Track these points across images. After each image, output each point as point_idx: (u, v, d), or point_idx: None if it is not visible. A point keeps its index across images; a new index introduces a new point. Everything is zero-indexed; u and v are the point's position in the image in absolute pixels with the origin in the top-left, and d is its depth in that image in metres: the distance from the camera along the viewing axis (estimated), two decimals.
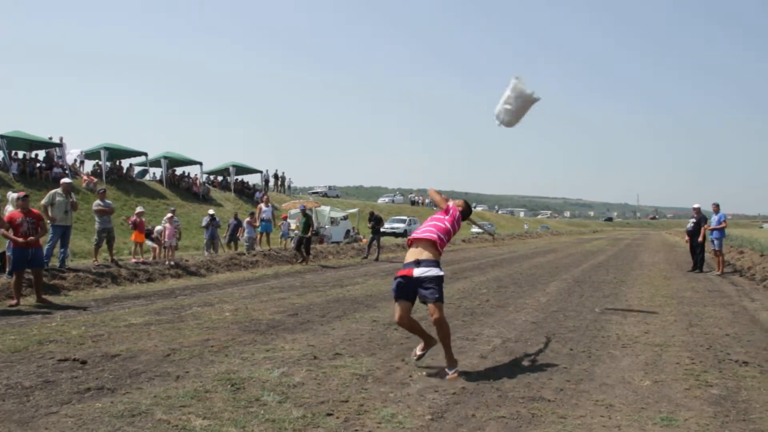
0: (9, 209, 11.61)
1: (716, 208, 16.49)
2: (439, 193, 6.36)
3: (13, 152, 29.69)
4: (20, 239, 9.82)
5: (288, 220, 25.85)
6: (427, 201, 74.80)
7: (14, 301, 9.66)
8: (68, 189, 12.69)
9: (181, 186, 36.94)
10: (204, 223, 19.74)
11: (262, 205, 21.24)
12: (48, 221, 11.83)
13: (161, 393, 4.98)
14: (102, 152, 32.57)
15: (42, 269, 10.33)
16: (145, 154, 36.28)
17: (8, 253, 10.45)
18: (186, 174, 39.09)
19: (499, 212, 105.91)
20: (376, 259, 20.90)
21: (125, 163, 36.09)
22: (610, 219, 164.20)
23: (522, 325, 8.34)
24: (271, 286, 12.80)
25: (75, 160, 33.03)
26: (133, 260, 15.24)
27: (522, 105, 7.68)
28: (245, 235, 20.13)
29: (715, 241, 16.48)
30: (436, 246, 5.83)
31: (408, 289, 5.79)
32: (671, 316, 9.15)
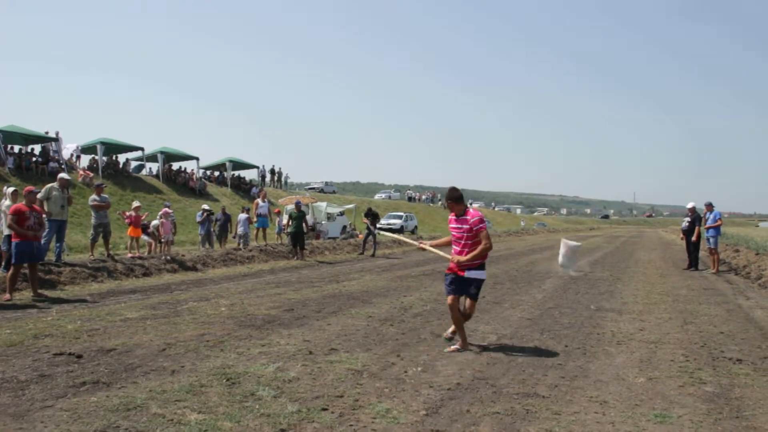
0: (6, 203, 11.58)
1: (709, 207, 16.52)
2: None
3: (9, 146, 29.61)
4: (30, 233, 9.85)
5: (283, 215, 25.85)
6: (423, 197, 74.84)
7: (7, 296, 9.64)
8: (65, 184, 12.66)
9: (177, 181, 36.87)
10: (199, 218, 19.71)
11: (259, 201, 21.24)
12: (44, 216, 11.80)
13: (156, 387, 4.98)
14: (98, 147, 32.49)
15: (38, 264, 10.33)
16: (142, 149, 36.19)
17: (4, 248, 10.42)
18: (182, 169, 39.03)
19: (496, 209, 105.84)
20: (373, 255, 20.90)
21: (122, 158, 36.01)
22: (606, 216, 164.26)
23: (517, 322, 8.36)
24: (267, 281, 12.80)
25: (71, 155, 32.92)
26: (129, 255, 15.23)
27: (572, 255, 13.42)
28: (239, 230, 20.10)
29: (711, 240, 16.53)
30: None
31: None
32: (666, 314, 9.17)
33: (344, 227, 32.20)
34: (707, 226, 16.57)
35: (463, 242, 6.48)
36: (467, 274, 6.45)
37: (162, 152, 36.81)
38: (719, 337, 7.46)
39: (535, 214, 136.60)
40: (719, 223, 16.56)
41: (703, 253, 18.69)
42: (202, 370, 5.53)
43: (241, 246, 19.35)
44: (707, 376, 5.64)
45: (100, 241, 14.43)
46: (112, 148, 34.66)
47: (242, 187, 42.18)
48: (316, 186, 60.32)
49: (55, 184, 12.52)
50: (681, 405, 4.73)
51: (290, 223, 18.98)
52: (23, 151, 30.25)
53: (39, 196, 11.79)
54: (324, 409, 4.48)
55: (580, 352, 6.59)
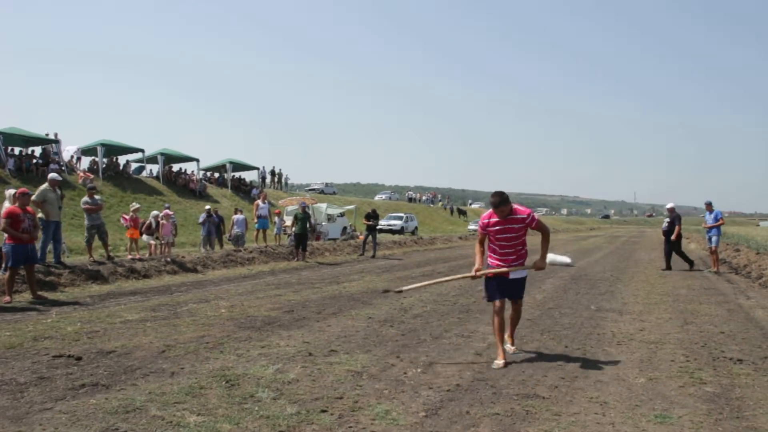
0: (6, 205, 11.57)
1: (709, 206, 16.48)
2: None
3: (9, 148, 29.61)
4: (25, 235, 9.86)
5: (285, 217, 25.83)
6: (424, 198, 74.83)
7: (7, 299, 9.63)
8: (56, 184, 12.63)
9: (177, 182, 36.85)
10: (201, 219, 19.72)
11: (259, 202, 21.24)
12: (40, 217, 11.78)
13: (156, 389, 4.98)
14: (98, 149, 32.48)
15: (35, 266, 10.33)
16: (142, 151, 36.19)
17: (5, 250, 10.42)
18: (183, 170, 39.01)
19: None
20: (373, 256, 20.89)
21: (122, 160, 36.00)
22: (607, 216, 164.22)
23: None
24: (267, 283, 12.80)
25: (71, 157, 32.91)
26: (129, 257, 15.22)
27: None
28: (235, 230, 20.10)
29: (712, 239, 16.51)
30: None
31: None
32: (666, 314, 9.16)
33: (345, 228, 32.19)
34: (708, 225, 16.59)
35: (517, 243, 6.25)
36: (514, 275, 6.31)
37: (162, 154, 36.79)
38: (720, 337, 7.45)
39: (541, 214, 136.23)
40: (721, 222, 16.55)
41: (703, 253, 18.66)
42: (202, 372, 5.53)
43: (234, 247, 19.34)
44: (708, 376, 5.62)
45: (99, 242, 14.36)
46: (113, 150, 34.64)
47: (242, 189, 42.16)
48: (316, 187, 60.32)
49: (46, 185, 12.42)
50: (681, 405, 4.72)
51: (295, 223, 19.02)
52: (23, 153, 30.24)
53: (34, 198, 11.74)
54: (323, 411, 4.47)
55: (581, 352, 6.58)
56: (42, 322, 8.07)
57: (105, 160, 33.34)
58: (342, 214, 33.51)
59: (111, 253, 14.59)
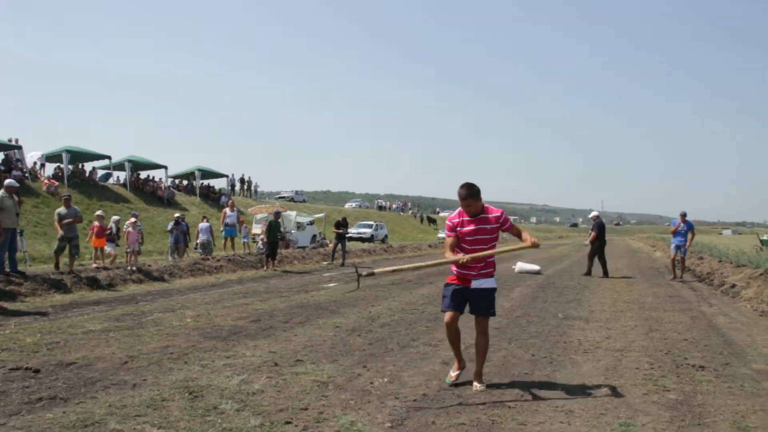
0: None
1: (684, 217, 16.41)
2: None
3: None
4: None
5: (254, 225, 25.67)
6: (394, 206, 74.91)
7: None
8: (13, 190, 12.33)
9: (145, 190, 36.36)
10: (169, 227, 19.51)
11: (227, 210, 21.05)
12: None
13: (116, 402, 4.86)
14: (63, 155, 31.90)
15: None
16: (109, 158, 35.65)
17: None
18: (151, 178, 38.52)
19: None
20: (342, 264, 20.83)
21: (88, 167, 35.39)
22: (575, 225, 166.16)
23: None
24: (235, 292, 12.67)
25: (35, 163, 32.29)
26: (94, 265, 14.95)
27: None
28: (201, 237, 19.89)
29: (682, 249, 16.44)
30: None
31: None
32: (632, 321, 9.26)
33: (314, 236, 32.07)
34: (687, 243, 16.43)
35: (488, 249, 5.37)
36: (477, 284, 5.41)
37: (129, 161, 36.28)
38: (683, 344, 7.54)
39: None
40: (691, 236, 16.50)
41: (668, 260, 18.90)
42: (165, 384, 5.42)
43: (202, 255, 19.13)
44: (671, 383, 5.67)
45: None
46: (78, 157, 34.06)
47: (211, 196, 41.74)
48: (286, 195, 60.00)
49: (3, 192, 12.11)
50: (645, 413, 4.75)
51: (265, 232, 18.92)
52: None
53: None
54: (288, 422, 4.41)
55: (547, 360, 6.60)
56: (0, 333, 7.87)
57: (70, 166, 32.77)
58: (311, 222, 33.40)
59: (75, 269, 13.67)
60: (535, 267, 18.64)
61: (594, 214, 18.96)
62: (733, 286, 13.48)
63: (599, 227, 17.88)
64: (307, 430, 4.28)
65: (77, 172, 33.42)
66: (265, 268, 18.30)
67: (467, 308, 5.60)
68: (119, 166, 37.00)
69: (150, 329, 8.15)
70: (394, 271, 5.85)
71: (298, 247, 27.45)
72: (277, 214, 19.39)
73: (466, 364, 5.80)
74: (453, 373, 5.66)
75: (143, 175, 38.33)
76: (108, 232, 16.30)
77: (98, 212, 16.58)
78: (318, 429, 4.30)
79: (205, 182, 43.24)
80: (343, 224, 21.44)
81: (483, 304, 5.50)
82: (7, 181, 12.46)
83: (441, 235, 52.30)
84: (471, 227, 5.39)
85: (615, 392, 5.35)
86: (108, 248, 16.33)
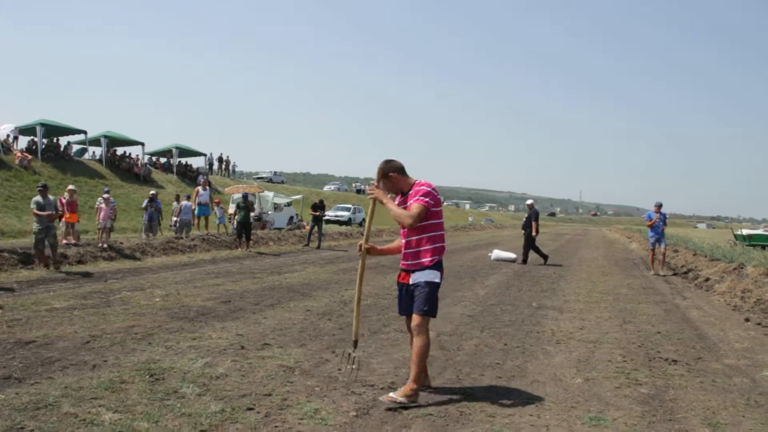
0: None
1: (658, 208, 15.87)
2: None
3: None
4: None
5: (230, 205, 25.38)
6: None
7: None
8: None
9: (121, 166, 35.80)
10: (143, 205, 19.21)
11: (200, 189, 20.75)
12: None
13: (73, 383, 4.68)
14: (38, 128, 31.25)
15: None
16: (85, 132, 35.00)
17: None
18: (127, 154, 37.93)
19: (445, 203, 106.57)
20: (318, 247, 20.64)
21: (63, 141, 34.75)
22: (553, 214, 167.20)
23: (458, 319, 8.25)
24: (207, 272, 12.46)
25: (8, 136, 31.64)
26: (64, 241, 14.64)
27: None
28: (181, 217, 19.59)
29: (662, 241, 15.84)
30: None
31: None
32: (606, 313, 9.21)
33: (291, 218, 31.82)
34: (662, 228, 15.79)
35: (412, 233, 4.68)
36: (413, 278, 4.71)
37: (106, 136, 35.70)
38: (656, 337, 7.49)
39: (484, 209, 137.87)
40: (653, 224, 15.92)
41: (645, 252, 18.88)
42: (126, 365, 5.24)
43: (179, 234, 18.85)
44: (643, 377, 5.60)
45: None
46: (53, 130, 33.40)
47: (189, 175, 41.23)
48: (264, 175, 59.54)
49: None
50: (616, 407, 4.66)
51: (236, 212, 18.65)
52: None
53: None
54: (249, 409, 4.26)
55: (519, 351, 6.51)
56: None
57: (45, 140, 32.12)
58: (289, 204, 33.11)
59: (58, 264, 12.15)
60: (512, 255, 18.61)
61: (530, 202, 19.34)
62: (707, 279, 13.53)
63: (536, 216, 18.14)
64: (269, 417, 4.14)
65: (51, 146, 32.78)
66: (239, 248, 18.06)
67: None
68: (95, 142, 36.41)
69: (116, 308, 7.95)
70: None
71: (275, 228, 27.20)
72: (245, 196, 19.10)
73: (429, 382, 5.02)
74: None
75: (120, 151, 37.73)
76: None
77: (70, 187, 16.22)
78: (280, 416, 4.15)
79: (183, 160, 42.71)
80: (320, 206, 21.22)
81: (415, 301, 4.67)
82: None
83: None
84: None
85: (587, 385, 5.26)
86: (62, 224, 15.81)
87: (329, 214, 36.80)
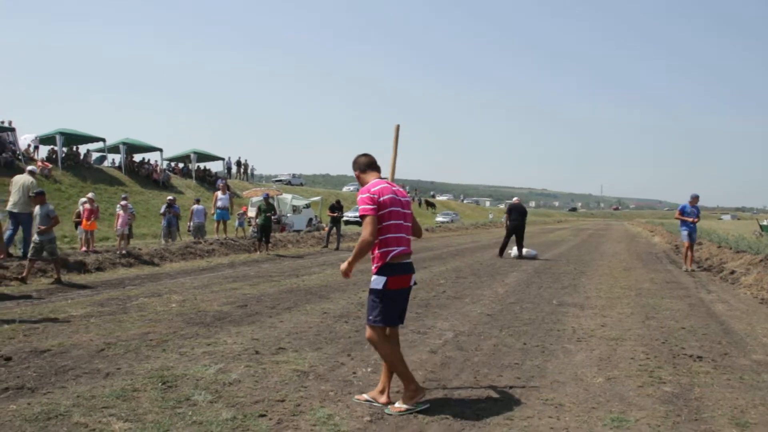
0: None
1: (695, 200, 15.01)
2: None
3: None
4: None
5: (250, 208, 25.45)
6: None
7: None
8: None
9: (140, 173, 36.08)
10: (162, 210, 19.27)
11: (219, 193, 20.77)
12: None
13: (86, 392, 4.63)
14: (57, 137, 31.58)
15: None
16: (103, 140, 35.34)
17: None
18: (146, 161, 38.22)
19: (465, 201, 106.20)
20: (337, 248, 20.58)
21: (82, 149, 35.10)
22: (574, 209, 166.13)
23: (477, 318, 8.13)
24: (225, 276, 12.43)
25: (29, 145, 32.01)
26: (83, 249, 14.70)
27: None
28: (194, 220, 19.61)
29: (693, 235, 15.07)
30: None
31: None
32: (628, 309, 9.02)
33: (310, 220, 31.81)
34: (694, 220, 14.91)
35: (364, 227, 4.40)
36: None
37: (124, 143, 35.97)
38: (680, 333, 7.31)
39: (504, 206, 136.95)
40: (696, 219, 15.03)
41: (667, 246, 18.59)
42: (139, 373, 5.19)
43: (194, 238, 18.89)
44: (667, 375, 5.44)
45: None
46: (72, 139, 33.75)
47: (207, 180, 41.44)
48: (283, 178, 59.69)
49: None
50: (639, 407, 4.52)
51: (257, 215, 18.66)
52: None
53: None
54: (262, 416, 4.18)
55: (539, 350, 6.37)
56: None
57: (64, 149, 32.45)
58: (308, 206, 33.11)
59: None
60: (532, 252, 18.41)
61: (516, 200, 20.35)
62: (733, 272, 13.26)
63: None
64: (282, 423, 4.05)
65: (71, 155, 33.12)
66: (258, 252, 18.06)
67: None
68: (114, 149, 36.72)
69: (133, 315, 7.92)
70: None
71: (294, 231, 27.20)
72: (266, 197, 19.08)
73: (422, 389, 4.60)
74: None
75: (138, 157, 38.02)
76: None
77: (89, 195, 16.28)
78: (293, 423, 4.07)
79: (202, 165, 42.94)
80: (337, 207, 21.17)
81: None
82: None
83: (439, 219, 52.12)
84: None
85: (608, 384, 5.12)
86: (78, 231, 15.92)
87: (348, 214, 36.73)
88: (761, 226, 31.92)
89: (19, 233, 12.79)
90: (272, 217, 18.72)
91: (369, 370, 5.41)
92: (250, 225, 22.56)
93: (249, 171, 50.70)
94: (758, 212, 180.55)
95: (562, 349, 6.43)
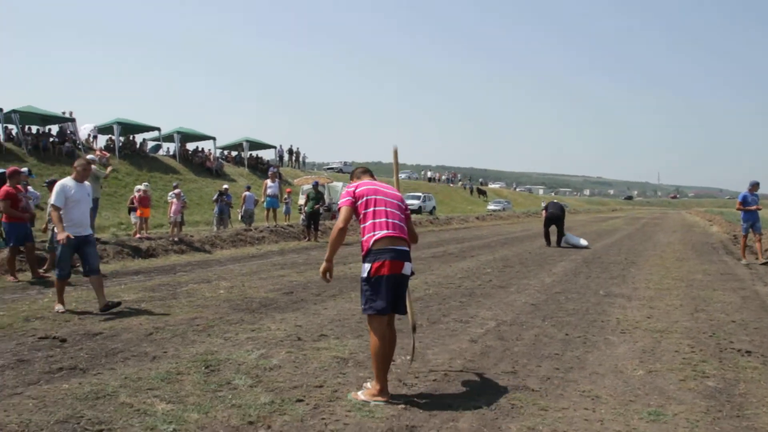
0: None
1: (755, 188, 14.18)
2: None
3: (27, 127, 29.73)
4: (26, 214, 9.98)
5: (300, 195, 25.77)
6: (443, 178, 74.32)
7: (11, 278, 9.66)
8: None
9: (194, 161, 36.88)
10: (214, 198, 19.69)
11: (268, 181, 21.07)
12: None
13: (133, 374, 4.82)
14: (115, 127, 32.53)
15: (34, 245, 10.23)
16: (159, 129, 36.24)
17: (4, 230, 10.37)
18: (199, 149, 39.02)
19: (517, 189, 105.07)
20: None
21: (138, 138, 36.06)
22: (630, 198, 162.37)
23: (520, 307, 8.09)
24: (274, 263, 12.64)
25: (88, 135, 33.07)
26: (138, 236, 15.15)
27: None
28: (244, 207, 19.97)
29: (757, 225, 14.23)
30: None
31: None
32: (677, 300, 8.83)
33: None
34: (758, 207, 14.07)
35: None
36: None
37: (179, 132, 36.80)
38: (730, 326, 7.11)
39: (557, 195, 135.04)
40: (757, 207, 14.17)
41: (725, 236, 18.02)
42: (184, 357, 5.36)
43: (245, 225, 19.25)
44: (711, 369, 5.31)
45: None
46: (129, 128, 34.72)
47: (260, 168, 42.07)
48: (334, 166, 60.05)
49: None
50: (678, 401, 4.44)
51: (306, 202, 18.89)
52: (40, 132, 30.36)
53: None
54: (299, 401, 4.28)
55: (581, 341, 6.30)
56: (38, 302, 8.00)
57: (121, 138, 33.39)
58: None
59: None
60: (583, 242, 18.13)
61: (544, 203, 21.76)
62: None
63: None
64: (318, 408, 4.14)
65: (128, 144, 34.07)
66: (307, 239, 18.28)
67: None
68: (168, 138, 37.58)
69: (182, 300, 8.16)
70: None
71: None
72: (315, 185, 19.27)
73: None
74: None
75: (192, 146, 38.84)
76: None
77: (144, 184, 16.77)
78: (329, 408, 4.15)
79: (254, 153, 43.58)
80: None
81: None
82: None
83: (491, 207, 51.76)
84: None
85: (648, 377, 5.04)
86: (132, 217, 16.49)
87: None
88: None
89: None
90: (321, 207, 18.87)
91: (408, 357, 5.45)
92: (300, 213, 22.83)
93: (301, 159, 51.18)
94: None
95: (604, 340, 6.35)
